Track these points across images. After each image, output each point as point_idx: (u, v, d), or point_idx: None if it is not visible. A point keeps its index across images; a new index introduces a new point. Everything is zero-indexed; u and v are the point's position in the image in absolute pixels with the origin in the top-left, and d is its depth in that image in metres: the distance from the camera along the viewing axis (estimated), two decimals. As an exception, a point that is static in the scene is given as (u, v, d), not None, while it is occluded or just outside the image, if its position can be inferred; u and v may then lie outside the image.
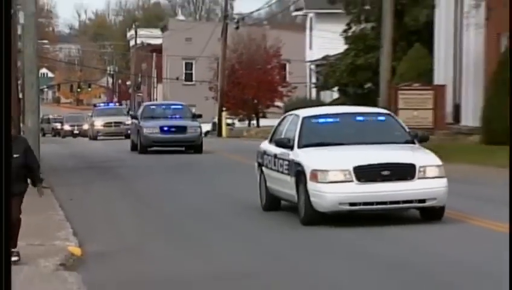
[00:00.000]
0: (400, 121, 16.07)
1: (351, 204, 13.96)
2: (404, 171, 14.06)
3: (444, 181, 14.18)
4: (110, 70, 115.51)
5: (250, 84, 58.28)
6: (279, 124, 16.72)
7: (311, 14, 62.71)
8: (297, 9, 66.28)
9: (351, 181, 13.92)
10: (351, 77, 44.96)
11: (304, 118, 15.50)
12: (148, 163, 29.42)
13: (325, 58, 53.35)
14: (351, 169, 13.93)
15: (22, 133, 31.26)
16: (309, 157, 14.49)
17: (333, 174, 13.94)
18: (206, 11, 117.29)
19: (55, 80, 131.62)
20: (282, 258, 12.05)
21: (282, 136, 15.78)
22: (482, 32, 32.20)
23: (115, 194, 20.50)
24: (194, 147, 32.80)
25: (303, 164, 14.39)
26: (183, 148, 33.09)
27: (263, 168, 16.45)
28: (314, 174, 14.02)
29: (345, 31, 46.30)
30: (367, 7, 44.05)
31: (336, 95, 51.30)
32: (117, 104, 74.97)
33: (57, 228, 14.63)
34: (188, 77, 79.37)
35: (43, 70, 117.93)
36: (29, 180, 11.66)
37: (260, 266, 11.57)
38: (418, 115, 33.10)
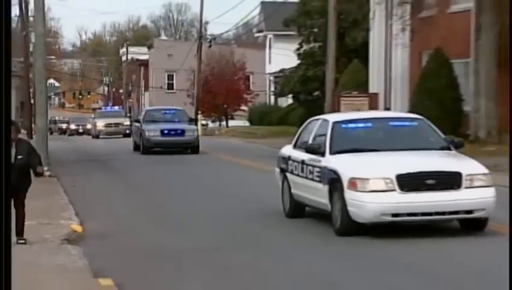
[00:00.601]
0: (433, 126, 12.68)
1: (394, 215, 10.92)
2: (450, 180, 10.99)
3: (492, 191, 11.14)
4: (105, 81, 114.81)
5: (221, 92, 58.08)
6: (304, 129, 13.48)
7: (270, 35, 62.78)
8: (259, 31, 66.33)
9: (394, 190, 10.86)
10: (303, 86, 45.08)
11: (335, 123, 12.34)
12: (141, 157, 28.78)
13: (281, 71, 53.39)
14: (394, 177, 10.87)
15: (33, 132, 31.00)
16: (345, 165, 11.39)
17: (374, 182, 10.88)
18: (185, 32, 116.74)
19: (60, 88, 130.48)
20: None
21: (310, 142, 12.59)
22: (407, 51, 32.40)
23: (111, 183, 20.26)
24: (192, 148, 30.11)
25: (339, 171, 11.30)
26: (182, 149, 30.23)
27: (287, 174, 13.28)
28: (353, 183, 10.98)
29: (298, 49, 46.41)
30: (315, 30, 44.24)
31: (290, 101, 51.41)
32: (119, 107, 73.87)
33: (62, 209, 14.53)
34: (170, 86, 78.97)
35: (51, 81, 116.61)
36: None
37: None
38: (356, 117, 33.26)
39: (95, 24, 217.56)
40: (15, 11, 51.67)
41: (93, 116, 58.67)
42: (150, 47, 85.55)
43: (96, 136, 50.30)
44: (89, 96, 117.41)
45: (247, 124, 56.88)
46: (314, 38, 44.84)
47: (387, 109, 35.27)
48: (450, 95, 28.03)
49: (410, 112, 29.95)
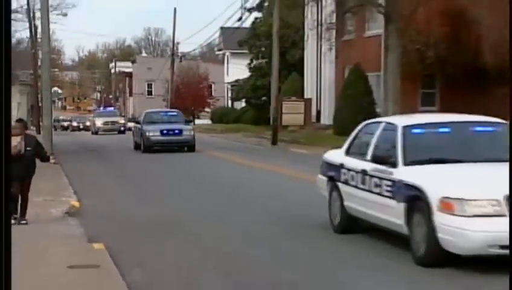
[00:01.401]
0: None
1: (502, 247, 6.73)
2: None
3: None
4: (98, 88, 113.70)
5: (189, 97, 57.82)
6: (359, 132, 9.27)
7: (227, 53, 62.88)
8: (219, 50, 66.32)
9: (503, 215, 6.77)
10: (253, 93, 45.29)
11: (405, 128, 8.24)
12: (132, 150, 27.53)
13: (236, 81, 53.41)
14: (502, 199, 6.81)
15: (40, 129, 30.48)
16: (431, 179, 7.35)
17: (478, 204, 6.83)
18: (161, 51, 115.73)
19: (62, 94, 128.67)
20: None
21: (372, 149, 8.53)
22: (333, 66, 32.75)
23: (104, 169, 19.85)
24: (189, 146, 26.21)
25: (423, 188, 7.29)
26: (179, 148, 26.47)
27: (339, 184, 9.15)
28: (448, 204, 6.95)
29: (249, 64, 46.58)
30: (263, 49, 44.50)
31: (243, 104, 51.52)
32: (114, 108, 72.44)
33: (63, 189, 14.36)
34: (149, 93, 78.40)
35: (55, 88, 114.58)
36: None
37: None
38: (294, 117, 33.63)
39: (90, 44, 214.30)
40: (26, 33, 50.75)
41: (92, 115, 57.27)
42: (133, 62, 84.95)
43: (95, 132, 48.44)
44: (85, 100, 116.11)
45: (209, 122, 56.88)
46: (262, 55, 45.06)
47: (318, 111, 35.64)
48: (366, 100, 28.55)
49: (335, 112, 30.37)
